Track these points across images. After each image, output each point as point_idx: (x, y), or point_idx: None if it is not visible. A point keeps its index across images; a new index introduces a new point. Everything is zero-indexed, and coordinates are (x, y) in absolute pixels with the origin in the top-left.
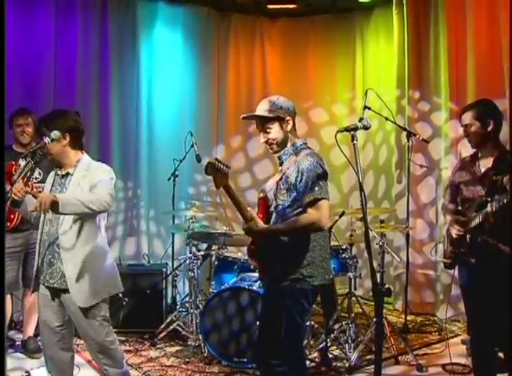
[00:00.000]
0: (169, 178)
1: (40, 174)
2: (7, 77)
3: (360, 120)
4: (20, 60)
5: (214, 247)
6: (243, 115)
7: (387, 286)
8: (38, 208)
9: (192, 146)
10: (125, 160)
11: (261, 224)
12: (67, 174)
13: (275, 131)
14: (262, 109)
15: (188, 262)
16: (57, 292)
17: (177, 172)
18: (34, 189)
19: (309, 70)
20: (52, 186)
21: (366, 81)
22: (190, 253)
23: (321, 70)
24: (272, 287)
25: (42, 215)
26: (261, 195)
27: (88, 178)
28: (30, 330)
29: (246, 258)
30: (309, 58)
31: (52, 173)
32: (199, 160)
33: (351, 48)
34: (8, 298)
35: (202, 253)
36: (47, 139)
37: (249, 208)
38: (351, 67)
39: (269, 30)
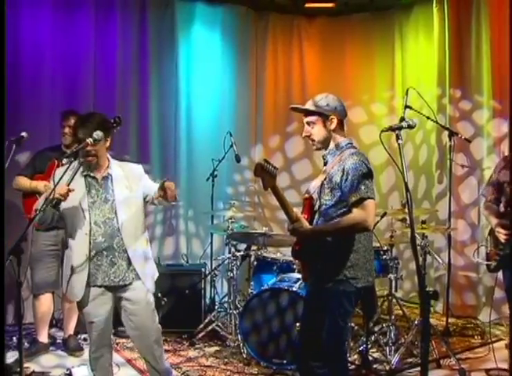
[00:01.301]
0: (208, 178)
1: None
2: (48, 78)
3: (402, 119)
4: (61, 62)
5: (254, 247)
6: (292, 105)
7: (433, 289)
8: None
9: (232, 146)
10: (164, 160)
11: (305, 225)
12: (108, 175)
13: (317, 128)
14: (309, 103)
15: (227, 262)
16: (117, 289)
17: (216, 172)
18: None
19: (347, 69)
20: (89, 188)
21: (406, 79)
22: (229, 253)
23: (359, 68)
24: (315, 288)
25: (86, 218)
26: (306, 195)
27: (131, 177)
28: (70, 329)
29: (286, 258)
30: (347, 57)
31: (78, 176)
32: (238, 160)
33: (390, 47)
34: (49, 296)
35: (241, 253)
36: (89, 140)
37: (295, 209)
38: (390, 66)
39: (307, 29)
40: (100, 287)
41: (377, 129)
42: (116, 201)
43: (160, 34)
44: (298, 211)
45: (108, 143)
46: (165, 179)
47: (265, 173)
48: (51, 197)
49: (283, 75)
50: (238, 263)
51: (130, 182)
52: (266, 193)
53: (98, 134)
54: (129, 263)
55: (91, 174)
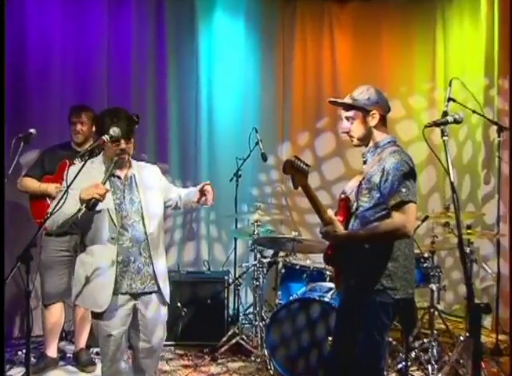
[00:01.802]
0: (231, 179)
1: None
2: (57, 71)
3: (445, 113)
4: (71, 53)
5: (281, 253)
6: (330, 99)
7: (482, 301)
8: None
9: (257, 143)
10: (184, 158)
11: (340, 228)
12: (132, 175)
13: (356, 123)
14: (349, 96)
15: (252, 269)
16: (139, 297)
17: (240, 172)
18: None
19: (383, 59)
20: (113, 189)
21: (448, 69)
22: (255, 260)
23: (396, 58)
24: (349, 298)
25: (114, 221)
26: (342, 196)
27: (151, 178)
28: (82, 342)
29: (317, 266)
30: (383, 45)
31: (101, 176)
32: (265, 159)
33: (430, 33)
34: (60, 306)
35: (268, 260)
36: (106, 137)
37: (329, 210)
38: (431, 54)
39: (339, 16)
40: (125, 294)
41: (416, 124)
42: (142, 203)
43: (179, 22)
44: (332, 213)
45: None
46: (207, 182)
47: (295, 171)
48: (63, 199)
49: (312, 66)
50: (264, 271)
51: (151, 184)
52: (294, 195)
53: (114, 130)
54: (153, 270)
55: (115, 173)
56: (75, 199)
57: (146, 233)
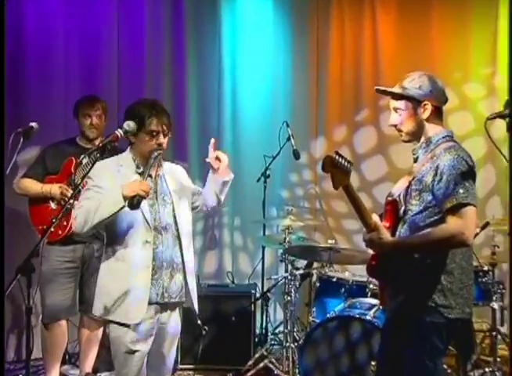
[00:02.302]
0: (259, 179)
1: None
2: (62, 57)
3: (508, 103)
4: (77, 36)
5: (316, 264)
6: (377, 87)
7: None
8: None
9: (289, 139)
10: (205, 156)
11: (386, 235)
12: (162, 174)
13: (405, 116)
14: (398, 84)
15: (282, 282)
16: (169, 308)
17: (268, 172)
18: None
19: (434, 41)
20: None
21: None
22: (286, 272)
23: (450, 39)
24: (395, 316)
25: (148, 223)
26: (389, 199)
27: (178, 178)
28: (88, 365)
29: (356, 279)
30: (434, 24)
31: (131, 174)
32: (297, 156)
33: (492, 9)
34: (63, 325)
35: (300, 272)
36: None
37: (373, 215)
38: (492, 34)
39: None
40: (155, 304)
41: (472, 116)
42: (174, 204)
43: (199, 2)
44: (377, 217)
45: None
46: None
47: (335, 169)
48: (70, 200)
49: (350, 50)
50: (296, 284)
51: (179, 185)
52: (330, 198)
53: (129, 124)
54: (184, 277)
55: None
56: (114, 197)
57: (179, 237)
